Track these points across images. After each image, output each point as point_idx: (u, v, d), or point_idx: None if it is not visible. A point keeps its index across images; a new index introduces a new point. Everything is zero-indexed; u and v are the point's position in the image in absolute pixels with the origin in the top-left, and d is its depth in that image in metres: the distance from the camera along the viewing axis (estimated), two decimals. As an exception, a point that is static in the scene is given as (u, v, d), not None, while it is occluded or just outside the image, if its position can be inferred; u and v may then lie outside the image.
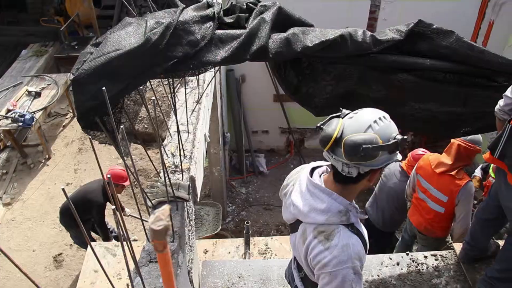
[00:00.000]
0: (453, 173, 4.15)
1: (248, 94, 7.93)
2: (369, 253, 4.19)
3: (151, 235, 1.02)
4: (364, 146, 1.79)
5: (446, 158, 4.22)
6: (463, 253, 3.86)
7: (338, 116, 1.96)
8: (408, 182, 4.71)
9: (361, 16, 6.79)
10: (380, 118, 1.89)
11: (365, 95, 3.25)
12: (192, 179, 3.05)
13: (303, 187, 2.06)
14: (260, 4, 2.84)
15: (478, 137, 4.14)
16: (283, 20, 2.76)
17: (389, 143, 1.85)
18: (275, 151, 9.02)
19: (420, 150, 4.91)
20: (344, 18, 6.36)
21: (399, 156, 1.96)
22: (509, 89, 2.95)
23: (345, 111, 1.99)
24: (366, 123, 1.87)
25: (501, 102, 3.02)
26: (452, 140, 4.26)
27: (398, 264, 3.91)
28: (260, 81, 7.47)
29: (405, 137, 1.91)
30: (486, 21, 6.71)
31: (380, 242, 5.30)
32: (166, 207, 1.03)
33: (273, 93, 7.81)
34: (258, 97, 7.96)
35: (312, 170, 2.14)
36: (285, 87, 3.10)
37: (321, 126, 1.96)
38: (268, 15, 2.66)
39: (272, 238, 4.68)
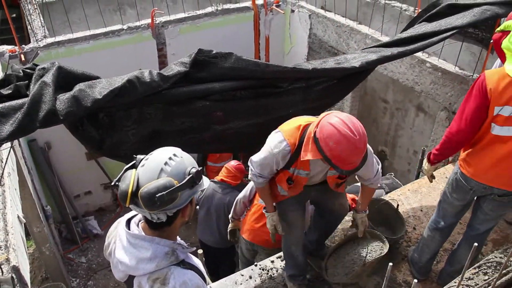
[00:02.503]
0: None
1: (59, 160, 7.47)
2: (221, 275, 4.28)
3: None
4: (158, 195, 1.76)
5: None
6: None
7: (134, 165, 1.91)
8: (244, 195, 4.85)
9: (151, 56, 6.89)
10: (170, 158, 1.87)
11: (171, 130, 3.32)
12: (16, 269, 2.77)
13: (124, 241, 1.99)
14: (38, 67, 2.72)
15: None
16: (66, 79, 2.69)
17: (184, 181, 1.84)
18: (105, 209, 8.62)
19: (234, 161, 5.21)
20: (135, 61, 6.39)
21: (205, 182, 2.00)
22: None
23: (139, 157, 1.94)
24: (157, 168, 1.84)
25: None
26: None
27: (250, 277, 4.03)
28: (67, 143, 7.05)
29: (199, 168, 1.92)
30: (262, 37, 7.36)
31: (225, 259, 5.50)
32: None
33: (84, 151, 7.48)
34: (70, 160, 7.54)
35: (128, 221, 2.07)
36: (88, 144, 3.01)
37: (117, 183, 1.89)
38: (48, 78, 2.56)
39: (126, 297, 4.47)
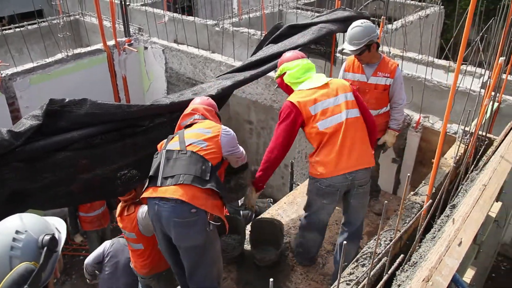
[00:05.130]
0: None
1: None
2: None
3: None
4: None
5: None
6: None
7: None
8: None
9: (2, 112, 6.39)
10: (14, 239, 1.62)
11: (34, 187, 3.14)
12: None
13: None
14: None
15: None
16: None
17: (42, 259, 1.62)
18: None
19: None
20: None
21: (57, 222, 1.87)
22: None
23: None
24: (5, 257, 1.59)
25: None
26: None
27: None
28: None
29: (53, 233, 1.70)
30: (119, 78, 7.25)
31: None
32: None
33: None
34: None
35: None
36: None
37: None
38: None
39: None
